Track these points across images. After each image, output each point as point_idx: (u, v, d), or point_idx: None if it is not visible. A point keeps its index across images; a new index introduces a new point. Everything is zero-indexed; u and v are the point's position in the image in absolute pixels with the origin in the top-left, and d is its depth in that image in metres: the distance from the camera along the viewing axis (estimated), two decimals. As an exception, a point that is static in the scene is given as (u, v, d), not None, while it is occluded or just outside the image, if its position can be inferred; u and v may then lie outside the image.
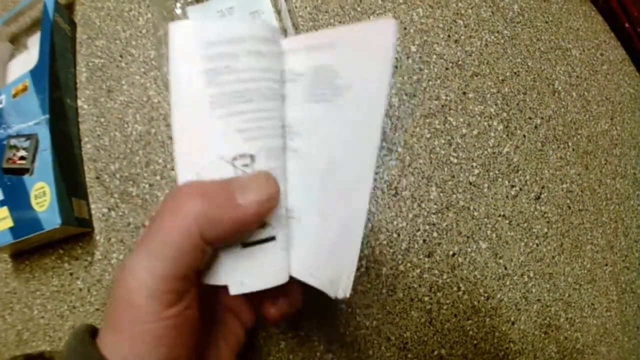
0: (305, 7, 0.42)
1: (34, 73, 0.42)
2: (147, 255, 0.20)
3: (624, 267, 0.44)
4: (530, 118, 0.42)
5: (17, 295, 0.40)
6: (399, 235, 0.38)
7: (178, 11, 0.43)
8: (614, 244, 0.44)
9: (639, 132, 0.49)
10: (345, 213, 0.24)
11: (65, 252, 0.40)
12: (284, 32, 0.40)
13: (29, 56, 0.46)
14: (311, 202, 0.24)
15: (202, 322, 0.23)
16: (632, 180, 0.47)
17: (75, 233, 0.39)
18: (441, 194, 0.39)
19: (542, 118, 0.43)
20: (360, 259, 0.37)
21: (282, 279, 0.23)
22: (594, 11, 0.52)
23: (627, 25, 0.51)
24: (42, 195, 0.38)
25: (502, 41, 0.43)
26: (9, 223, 0.38)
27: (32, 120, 0.40)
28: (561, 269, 0.41)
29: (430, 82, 0.41)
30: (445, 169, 0.39)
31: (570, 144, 0.43)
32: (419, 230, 0.38)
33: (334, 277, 0.24)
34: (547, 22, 0.47)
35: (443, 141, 0.40)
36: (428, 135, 0.40)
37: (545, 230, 0.41)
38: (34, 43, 0.47)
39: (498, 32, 0.43)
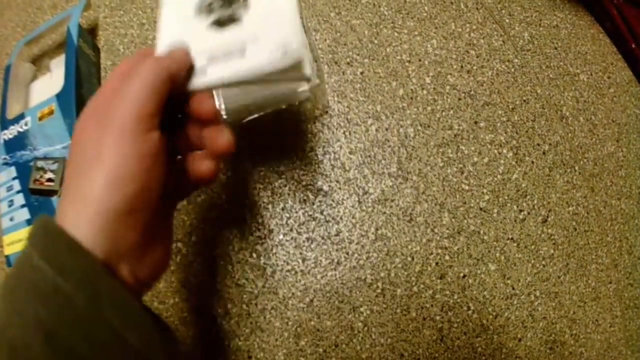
0: (325, 40, 0.44)
1: (60, 97, 0.43)
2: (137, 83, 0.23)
3: (628, 284, 0.46)
4: (538, 144, 0.44)
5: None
6: (413, 258, 0.40)
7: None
8: (618, 262, 0.46)
9: (644, 152, 0.50)
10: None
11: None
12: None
13: (52, 79, 0.48)
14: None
15: (165, 161, 0.25)
16: (637, 199, 0.48)
17: None
18: (453, 220, 0.41)
19: (550, 144, 0.44)
20: (376, 280, 0.39)
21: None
22: (602, 34, 0.54)
23: (633, 46, 0.53)
24: None
25: (513, 70, 0.45)
26: None
27: (60, 144, 0.42)
28: (566, 288, 0.43)
29: (443, 113, 0.43)
30: (457, 196, 0.41)
31: (576, 168, 0.45)
32: (432, 253, 0.40)
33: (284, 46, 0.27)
34: (556, 49, 0.48)
35: (455, 169, 0.42)
36: (441, 164, 0.42)
37: (552, 251, 0.43)
38: (56, 66, 0.49)
39: (509, 60, 0.45)
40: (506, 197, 0.42)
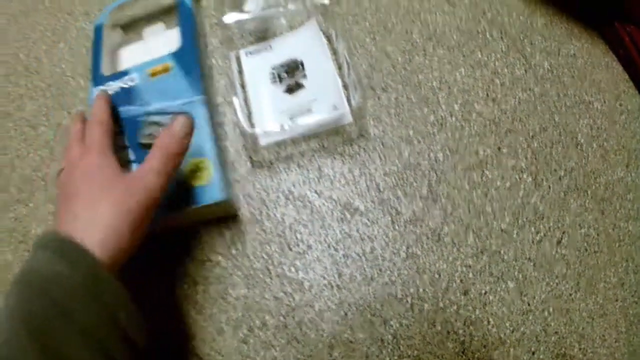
0: (361, 65, 0.46)
1: (179, 55, 0.44)
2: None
3: (633, 302, 0.49)
4: (555, 170, 0.47)
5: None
6: (440, 275, 0.42)
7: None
8: (624, 281, 0.48)
9: (651, 177, 0.53)
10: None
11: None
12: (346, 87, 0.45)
13: (146, 46, 0.49)
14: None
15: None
16: (644, 222, 0.51)
17: (224, 215, 0.43)
18: (477, 240, 0.43)
19: (565, 170, 0.47)
20: (406, 296, 0.42)
21: None
22: (615, 61, 0.56)
23: (644, 74, 0.55)
24: (198, 170, 0.39)
25: (533, 98, 0.48)
26: None
27: (180, 99, 0.42)
28: (577, 305, 0.45)
29: (470, 139, 0.45)
30: (481, 218, 0.44)
31: (589, 192, 0.48)
32: (457, 271, 0.43)
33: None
34: (573, 77, 0.51)
35: (480, 192, 0.44)
36: (467, 188, 0.44)
37: (565, 270, 0.45)
38: (149, 34, 0.50)
39: (530, 89, 0.48)
40: (525, 219, 0.45)
